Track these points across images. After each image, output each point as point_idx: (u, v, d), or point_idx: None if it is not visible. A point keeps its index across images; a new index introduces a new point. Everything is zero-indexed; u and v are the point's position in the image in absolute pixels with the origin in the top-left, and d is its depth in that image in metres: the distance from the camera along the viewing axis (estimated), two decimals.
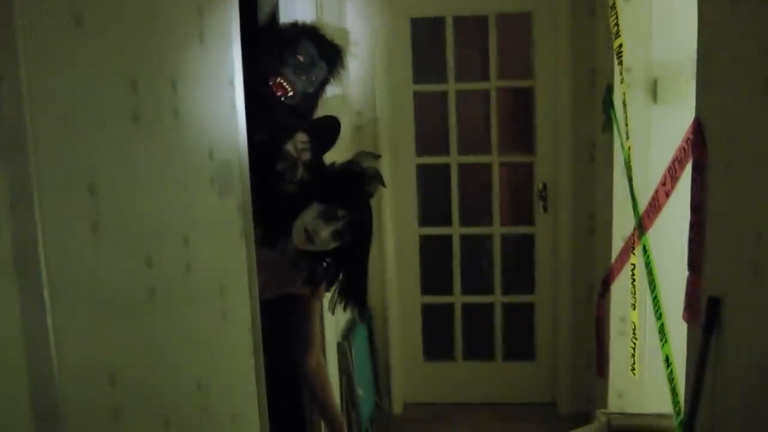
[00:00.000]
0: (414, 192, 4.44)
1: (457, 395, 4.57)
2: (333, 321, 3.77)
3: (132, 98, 1.65)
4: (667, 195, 2.70)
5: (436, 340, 4.62)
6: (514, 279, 4.48)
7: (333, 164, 2.85)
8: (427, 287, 4.54)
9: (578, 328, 4.25)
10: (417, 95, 4.37)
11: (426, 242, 4.51)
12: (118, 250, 1.55)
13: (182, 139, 1.99)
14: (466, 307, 4.53)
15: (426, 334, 4.59)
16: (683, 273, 2.23)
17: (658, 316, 2.68)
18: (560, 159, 4.19)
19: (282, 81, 2.84)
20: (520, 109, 4.37)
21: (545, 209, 4.28)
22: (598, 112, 3.89)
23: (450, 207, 4.41)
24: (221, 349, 2.30)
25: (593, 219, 4.12)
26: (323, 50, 2.92)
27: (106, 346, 1.47)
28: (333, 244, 2.72)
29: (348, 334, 4.01)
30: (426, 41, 4.38)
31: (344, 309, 2.92)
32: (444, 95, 4.34)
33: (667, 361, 2.53)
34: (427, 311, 4.58)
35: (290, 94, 2.85)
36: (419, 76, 4.35)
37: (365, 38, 4.16)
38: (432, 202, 4.51)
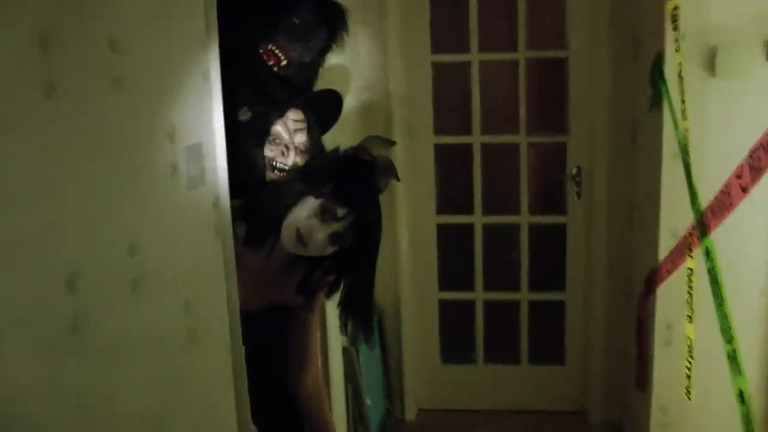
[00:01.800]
0: (432, 176, 4.03)
1: (477, 401, 4.18)
2: (335, 323, 3.36)
3: (42, 59, 1.22)
4: (744, 190, 2.25)
5: (455, 341, 4.24)
6: (542, 274, 4.07)
7: (336, 150, 2.41)
8: (445, 282, 4.14)
9: (613, 331, 3.88)
10: (436, 66, 3.94)
11: (444, 232, 4.10)
12: (25, 270, 1.15)
13: (127, 117, 1.57)
14: (489, 305, 4.13)
15: (444, 334, 4.20)
16: (759, 288, 1.78)
17: (728, 339, 2.25)
18: (597, 140, 3.77)
19: (274, 48, 2.38)
20: (552, 82, 3.93)
21: (579, 196, 3.86)
22: (641, 86, 3.45)
23: (472, 193, 4.00)
24: (189, 380, 1.88)
25: (633, 209, 3.70)
26: (323, 12, 2.46)
27: (16, 396, 1.08)
28: (330, 249, 2.29)
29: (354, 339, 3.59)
30: (446, 4, 3.93)
31: (344, 329, 2.49)
32: (466, 67, 3.90)
33: (741, 397, 2.09)
34: (445, 308, 4.18)
35: (283, 63, 2.39)
36: (438, 44, 3.91)
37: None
38: (451, 187, 4.10)
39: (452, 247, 4.14)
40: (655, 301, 3.18)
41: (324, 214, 2.25)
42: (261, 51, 2.39)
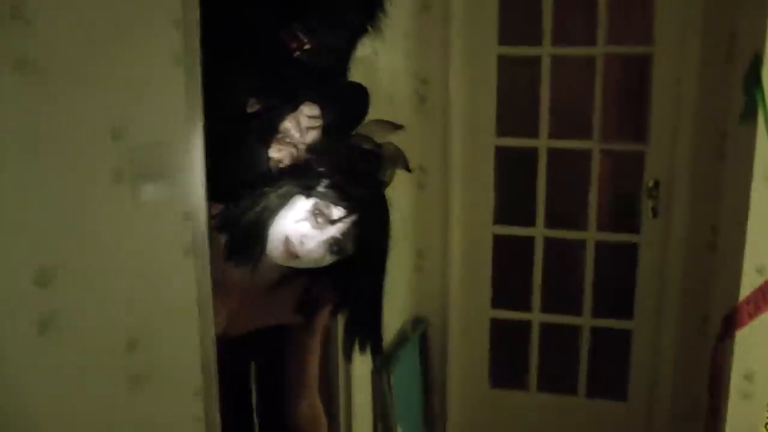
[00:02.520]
0: (491, 181, 3.66)
1: (528, 431, 3.79)
2: None
3: None
4: None
5: (507, 364, 3.89)
6: (608, 298, 3.66)
7: (329, 138, 2.04)
8: (499, 299, 3.78)
9: (683, 371, 3.45)
10: (502, 60, 3.56)
11: (502, 244, 3.73)
12: None
13: (41, 109, 1.28)
14: (546, 328, 3.75)
15: (494, 356, 3.84)
16: None
17: None
18: (679, 151, 3.33)
19: (297, 31, 2.03)
20: (633, 83, 3.54)
21: (655, 214, 3.42)
22: (735, 93, 3.02)
23: (535, 202, 3.62)
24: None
25: (716, 233, 3.27)
26: None
27: None
28: (328, 259, 1.94)
29: (390, 356, 3.25)
30: None
31: (349, 350, 2.15)
32: (536, 62, 3.51)
33: None
34: (498, 328, 3.82)
35: (307, 47, 2.05)
36: (506, 35, 3.53)
37: None
38: (512, 194, 3.73)
39: (509, 262, 3.77)
40: (734, 346, 2.74)
41: (317, 217, 1.91)
42: (281, 33, 2.06)
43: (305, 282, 2.05)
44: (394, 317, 3.43)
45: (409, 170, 2.20)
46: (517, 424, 3.81)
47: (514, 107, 3.62)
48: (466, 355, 3.80)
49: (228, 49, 2.00)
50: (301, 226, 1.88)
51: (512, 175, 3.70)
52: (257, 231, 1.92)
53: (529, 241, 3.66)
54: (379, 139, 2.10)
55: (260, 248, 1.93)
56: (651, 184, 3.40)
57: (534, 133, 3.54)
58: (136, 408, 1.58)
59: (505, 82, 3.57)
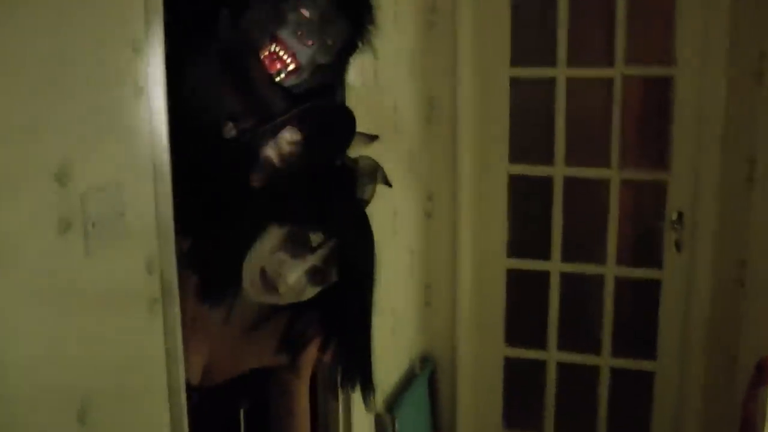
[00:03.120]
0: (504, 211, 3.48)
1: None
2: None
3: None
4: None
5: (521, 405, 3.69)
6: (629, 337, 3.45)
7: (302, 156, 1.87)
8: (513, 336, 3.59)
9: (710, 419, 3.26)
10: (515, 82, 3.38)
11: (515, 278, 3.55)
12: None
13: None
14: (563, 368, 3.54)
15: (508, 396, 3.65)
16: None
17: None
18: (704, 180, 3.14)
19: (278, 49, 1.87)
20: (654, 106, 3.34)
21: (678, 248, 3.22)
22: (764, 115, 2.89)
23: (550, 235, 3.43)
24: None
25: (745, 268, 3.10)
26: (341, 0, 1.93)
27: None
28: (310, 292, 1.77)
29: (394, 399, 3.07)
30: (531, 8, 3.38)
31: (337, 388, 1.97)
32: (551, 83, 3.32)
33: None
34: (512, 367, 3.63)
35: (291, 68, 1.88)
36: (519, 55, 3.36)
37: None
38: (526, 226, 3.54)
39: (523, 297, 3.58)
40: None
41: (294, 245, 1.73)
42: (264, 55, 1.89)
43: (288, 318, 1.88)
44: (400, 355, 3.25)
45: (389, 184, 2.05)
46: None
47: (528, 132, 3.44)
48: (477, 395, 3.60)
49: (202, 71, 1.84)
50: (277, 256, 1.71)
51: (526, 205, 3.51)
52: (230, 267, 1.75)
53: (545, 275, 3.46)
54: (354, 154, 1.94)
55: (235, 285, 1.76)
56: (674, 215, 3.20)
57: (549, 160, 3.35)
58: None
59: (518, 105, 3.38)
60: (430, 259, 3.47)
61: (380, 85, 2.81)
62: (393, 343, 3.16)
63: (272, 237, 1.73)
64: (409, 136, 3.19)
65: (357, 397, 2.67)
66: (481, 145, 3.39)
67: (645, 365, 3.39)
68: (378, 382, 2.93)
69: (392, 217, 3.06)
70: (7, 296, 1.22)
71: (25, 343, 1.27)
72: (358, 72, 2.48)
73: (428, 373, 3.46)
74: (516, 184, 3.44)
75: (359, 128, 2.43)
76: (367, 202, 1.92)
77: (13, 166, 1.21)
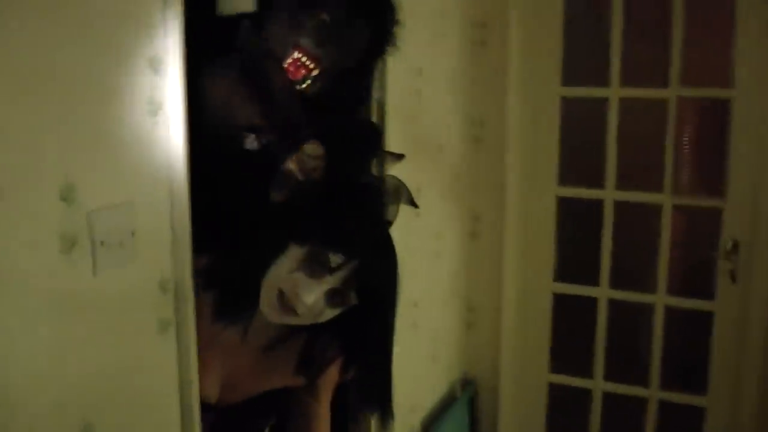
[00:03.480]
0: (551, 234, 3.38)
1: None
2: (407, 405, 2.79)
3: None
4: None
5: None
6: (679, 370, 3.31)
7: (323, 172, 1.81)
8: (557, 363, 3.47)
9: None
10: (565, 102, 3.29)
11: (562, 303, 3.43)
12: None
13: None
14: (609, 398, 3.41)
15: (551, 425, 3.52)
16: None
17: None
18: (762, 208, 2.99)
19: (301, 56, 1.83)
20: (710, 130, 3.21)
21: (734, 279, 3.07)
22: None
23: (599, 260, 3.30)
24: None
25: None
26: (360, 2, 1.88)
27: None
28: (329, 314, 1.72)
29: (431, 422, 3.00)
30: (584, 26, 3.28)
31: (355, 413, 1.90)
32: (603, 104, 3.21)
33: None
34: (556, 394, 3.51)
35: (315, 73, 1.84)
36: (571, 74, 3.26)
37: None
38: (575, 250, 3.43)
39: (569, 323, 3.46)
40: None
41: (313, 266, 1.68)
42: (287, 63, 1.85)
43: (306, 339, 1.83)
44: (439, 377, 3.18)
45: (415, 205, 1.98)
46: None
47: (578, 154, 3.33)
48: (519, 421, 3.49)
49: (222, 83, 1.80)
50: (295, 277, 1.67)
51: (575, 229, 3.40)
52: (248, 285, 1.71)
53: (592, 302, 3.34)
54: (378, 172, 1.88)
55: (252, 305, 1.72)
56: (729, 245, 3.06)
57: (600, 184, 3.24)
58: None
59: (569, 125, 3.28)
60: (474, 281, 3.39)
61: (423, 103, 2.75)
62: (432, 366, 3.09)
63: (291, 256, 1.68)
64: (454, 155, 3.12)
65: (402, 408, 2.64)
66: (529, 165, 3.30)
67: (695, 400, 3.23)
68: (415, 404, 2.91)
69: (435, 240, 3.00)
70: (9, 316, 1.20)
71: (26, 363, 1.25)
72: (397, 89, 2.44)
73: (469, 397, 3.37)
74: (565, 206, 3.34)
75: (395, 145, 2.39)
76: (390, 223, 1.86)
77: (15, 183, 1.19)
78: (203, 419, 1.72)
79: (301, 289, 1.67)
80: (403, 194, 1.90)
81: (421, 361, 2.97)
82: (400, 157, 2.01)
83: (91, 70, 1.31)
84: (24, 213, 1.21)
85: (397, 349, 2.39)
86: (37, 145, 1.22)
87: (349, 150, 1.85)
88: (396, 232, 2.49)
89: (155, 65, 1.44)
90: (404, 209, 2.55)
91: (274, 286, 1.69)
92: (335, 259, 1.67)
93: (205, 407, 1.75)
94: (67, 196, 1.28)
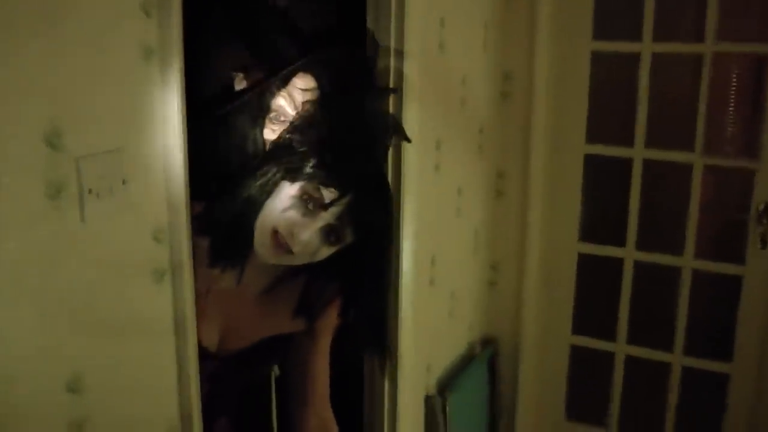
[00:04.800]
0: (578, 192, 3.31)
1: None
2: (423, 363, 2.78)
3: None
4: None
5: (585, 397, 3.52)
6: (704, 336, 3.24)
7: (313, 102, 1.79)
8: (580, 325, 3.42)
9: None
10: (596, 57, 3.18)
11: (586, 264, 3.37)
12: None
13: None
14: (632, 362, 3.36)
15: (572, 386, 3.49)
16: None
17: None
18: None
19: None
20: (745, 87, 3.09)
21: (764, 244, 2.98)
22: None
23: (626, 220, 3.23)
24: None
25: None
26: None
27: None
28: (325, 252, 1.70)
29: (448, 381, 2.98)
30: None
31: (351, 352, 1.91)
32: (635, 59, 3.11)
33: None
34: (577, 356, 3.47)
35: None
36: (602, 28, 3.15)
37: None
38: (601, 209, 3.35)
39: (594, 284, 3.40)
40: None
41: (307, 203, 1.65)
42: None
43: (304, 281, 1.83)
44: (457, 336, 3.15)
45: (407, 140, 1.95)
46: None
47: (607, 110, 3.25)
48: (540, 382, 3.47)
49: (210, 23, 1.77)
50: (289, 215, 1.65)
51: (602, 187, 3.32)
52: (241, 228, 1.69)
53: (618, 263, 3.27)
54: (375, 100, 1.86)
55: (247, 247, 1.71)
56: (761, 207, 2.97)
57: (629, 141, 3.15)
58: None
59: (599, 81, 3.19)
60: (497, 239, 3.34)
61: (446, 56, 2.69)
62: (450, 324, 3.07)
63: (283, 195, 1.67)
64: (480, 111, 3.06)
65: (404, 376, 2.62)
66: (557, 122, 3.22)
67: (720, 366, 3.16)
68: (432, 363, 2.89)
69: (456, 196, 2.95)
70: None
71: (10, 309, 1.25)
72: (417, 39, 2.38)
73: (489, 357, 3.34)
74: (592, 164, 3.25)
75: (412, 97, 2.35)
76: (384, 157, 1.83)
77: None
78: (204, 368, 1.72)
79: (295, 227, 1.65)
80: (395, 129, 1.87)
81: (438, 319, 2.94)
82: (393, 91, 1.98)
83: (80, 12, 1.29)
84: (6, 157, 1.20)
85: (409, 303, 2.39)
86: (20, 87, 1.20)
87: (341, 83, 1.81)
88: (415, 186, 2.46)
89: (147, 8, 1.41)
90: (427, 162, 2.53)
91: (268, 226, 1.67)
92: (329, 194, 1.65)
93: (206, 355, 1.75)
94: (53, 141, 1.27)
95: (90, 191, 1.34)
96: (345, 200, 1.65)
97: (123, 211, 1.43)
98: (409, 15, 2.31)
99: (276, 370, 2.21)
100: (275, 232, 1.66)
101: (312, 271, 1.78)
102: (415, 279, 2.57)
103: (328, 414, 2.03)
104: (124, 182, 1.41)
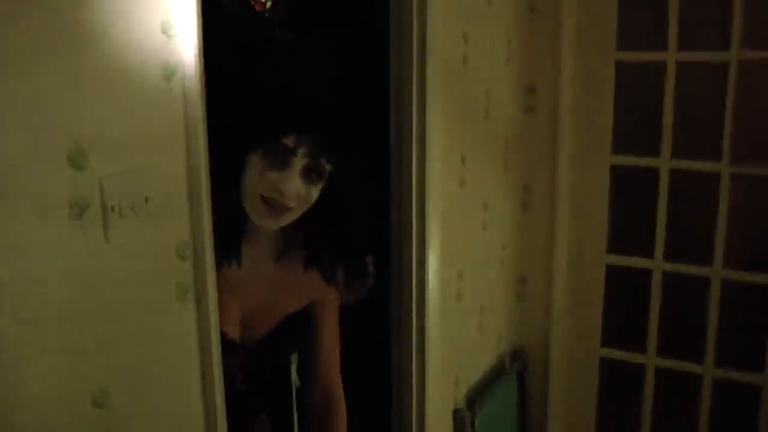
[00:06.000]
0: (605, 204, 3.28)
1: None
2: (451, 377, 2.78)
3: None
4: None
5: (616, 410, 3.47)
6: (735, 346, 3.18)
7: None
8: (609, 337, 3.39)
9: None
10: (620, 67, 3.16)
11: (615, 276, 3.34)
12: None
13: None
14: (662, 374, 3.32)
15: (602, 400, 3.45)
16: None
17: None
18: None
19: None
20: None
21: None
22: None
23: (654, 231, 3.20)
24: None
25: None
26: None
27: None
28: (314, 193, 1.78)
29: (477, 395, 2.97)
30: None
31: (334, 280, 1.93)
32: (660, 68, 3.08)
33: None
34: (607, 368, 3.43)
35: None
36: (626, 38, 3.13)
37: None
38: (628, 220, 3.32)
39: (622, 296, 3.36)
40: None
41: (276, 159, 1.70)
42: None
43: (304, 244, 1.91)
44: (486, 350, 3.14)
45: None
46: None
47: (633, 120, 3.22)
48: (570, 395, 3.44)
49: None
50: (267, 177, 1.70)
51: (629, 198, 3.28)
52: (231, 206, 1.75)
53: (646, 274, 3.24)
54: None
55: (242, 223, 1.78)
56: None
57: (655, 152, 3.13)
58: None
59: (624, 91, 3.17)
60: (525, 253, 3.33)
61: (470, 69, 2.69)
62: (478, 338, 3.06)
63: (253, 165, 1.71)
64: (504, 124, 3.06)
65: (432, 390, 2.62)
66: (582, 133, 3.21)
67: (752, 378, 3.10)
68: (459, 377, 2.88)
69: (482, 211, 2.95)
70: (19, 283, 1.22)
71: (38, 331, 1.26)
72: (440, 54, 2.39)
73: (518, 370, 3.33)
74: (618, 175, 3.23)
75: (435, 110, 2.36)
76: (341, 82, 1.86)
77: (21, 148, 1.20)
78: (231, 361, 1.73)
79: (278, 185, 1.70)
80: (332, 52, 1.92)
81: (466, 333, 2.93)
82: None
83: (102, 32, 1.31)
84: (30, 178, 1.22)
85: (436, 317, 2.39)
86: (44, 108, 1.22)
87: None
88: (440, 200, 2.47)
89: (167, 29, 1.43)
90: (451, 177, 2.53)
91: (254, 196, 1.72)
92: (290, 141, 1.69)
93: (231, 347, 1.77)
94: (76, 161, 1.29)
95: (113, 209, 1.36)
96: (307, 137, 1.69)
97: (146, 229, 1.44)
98: (431, 28, 2.33)
99: (294, 360, 2.24)
100: (263, 199, 1.71)
101: (309, 219, 1.82)
102: (441, 293, 2.57)
103: (338, 390, 2.09)
104: (147, 200, 1.42)
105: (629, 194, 3.29)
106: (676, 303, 3.24)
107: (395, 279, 2.50)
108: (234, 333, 1.84)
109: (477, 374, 3.07)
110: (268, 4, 2.09)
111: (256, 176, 1.71)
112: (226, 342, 1.70)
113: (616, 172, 3.23)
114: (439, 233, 2.49)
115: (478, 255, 2.96)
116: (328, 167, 1.75)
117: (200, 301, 1.59)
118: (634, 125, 3.22)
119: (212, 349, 1.62)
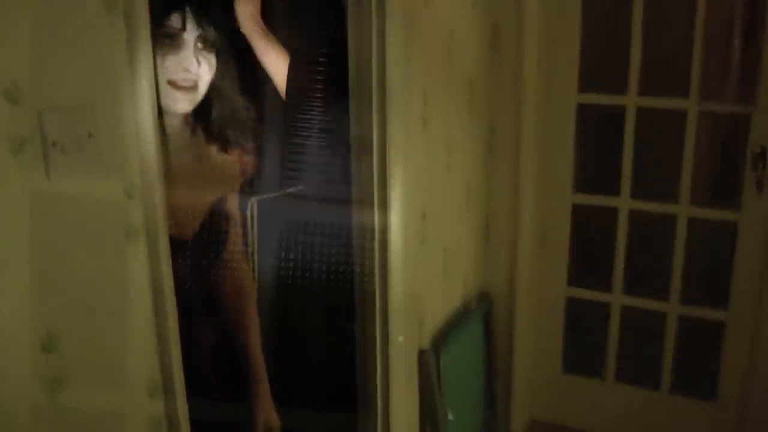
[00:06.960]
0: (571, 143, 3.25)
1: (602, 424, 3.46)
2: (415, 318, 2.76)
3: None
4: None
5: (582, 349, 3.51)
6: (700, 284, 3.21)
7: None
8: (575, 277, 3.40)
9: None
10: (586, 2, 3.10)
11: (581, 215, 3.32)
12: None
13: None
14: (628, 312, 3.34)
15: (568, 339, 3.48)
16: None
17: None
18: None
19: None
20: (740, 30, 3.00)
21: (760, 188, 2.94)
22: None
23: (620, 169, 3.18)
24: None
25: None
26: None
27: None
28: (214, 60, 1.84)
29: (442, 336, 2.96)
30: None
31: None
32: (627, 2, 3.03)
33: None
34: (573, 309, 3.44)
35: None
36: None
37: None
38: (594, 159, 3.30)
39: (588, 235, 3.36)
40: None
41: (164, 40, 1.74)
42: None
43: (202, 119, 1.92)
44: (452, 292, 3.12)
45: None
46: (590, 415, 3.46)
47: (601, 57, 3.17)
48: (536, 336, 3.46)
49: None
50: (167, 61, 1.75)
51: (595, 137, 3.26)
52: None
53: (612, 212, 3.23)
54: None
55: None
56: (757, 150, 2.91)
57: (622, 89, 3.09)
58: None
59: (590, 25, 3.11)
60: (490, 194, 3.29)
61: (430, 9, 2.62)
62: (443, 281, 3.04)
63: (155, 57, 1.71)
64: (469, 64, 2.99)
65: (396, 331, 2.60)
66: (548, 71, 3.16)
67: (716, 314, 3.14)
68: (424, 318, 2.86)
69: (446, 153, 2.90)
70: None
71: None
72: None
73: (484, 312, 3.32)
74: (585, 113, 3.20)
75: (396, 48, 2.29)
76: None
77: None
78: (177, 258, 1.70)
79: (181, 65, 1.75)
80: None
81: (430, 274, 2.91)
82: None
83: None
84: None
85: (399, 258, 2.34)
86: None
87: None
88: (402, 140, 2.41)
89: None
90: (413, 116, 2.46)
91: (165, 86, 1.75)
92: (176, 20, 1.74)
93: (177, 245, 1.74)
94: (13, 95, 1.23)
95: (54, 145, 1.30)
96: (185, 9, 1.74)
97: (91, 167, 1.38)
98: None
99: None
100: (174, 84, 1.75)
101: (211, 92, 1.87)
102: (404, 234, 2.53)
103: (248, 275, 2.12)
104: (90, 135, 1.37)
105: (596, 133, 3.26)
106: (643, 241, 3.25)
107: (357, 226, 2.46)
108: (173, 231, 1.81)
109: (443, 316, 3.06)
110: None
111: (161, 66, 1.72)
112: (171, 240, 1.67)
113: (583, 111, 3.20)
114: (401, 172, 2.44)
115: (442, 197, 2.93)
116: (217, 33, 1.81)
117: (150, 239, 1.54)
118: (601, 62, 3.18)
119: (164, 291, 1.57)
